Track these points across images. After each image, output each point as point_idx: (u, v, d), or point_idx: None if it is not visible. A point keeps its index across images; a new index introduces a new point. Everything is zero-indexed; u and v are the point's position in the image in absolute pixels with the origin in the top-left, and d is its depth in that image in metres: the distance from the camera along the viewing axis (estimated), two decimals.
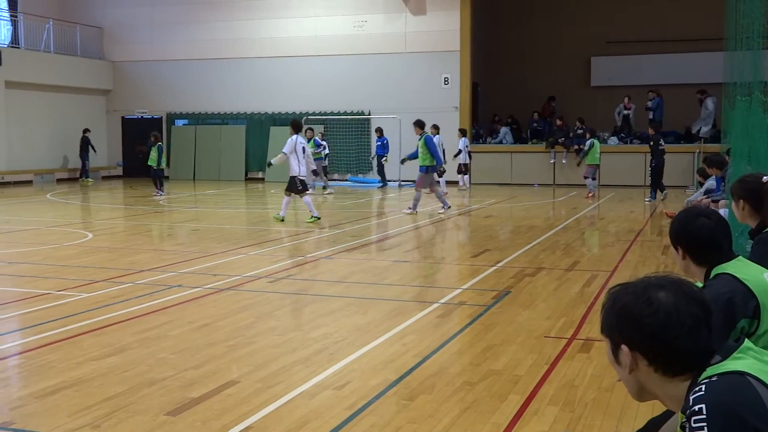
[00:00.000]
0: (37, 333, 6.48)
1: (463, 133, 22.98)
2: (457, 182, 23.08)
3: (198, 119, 28.85)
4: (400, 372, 5.42)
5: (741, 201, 4.27)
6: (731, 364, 1.86)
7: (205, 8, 28.15)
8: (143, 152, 21.05)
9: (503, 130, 26.56)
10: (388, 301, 7.97)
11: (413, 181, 18.42)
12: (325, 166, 24.51)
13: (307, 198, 14.66)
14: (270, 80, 27.49)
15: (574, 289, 8.40)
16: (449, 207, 16.48)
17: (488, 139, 26.80)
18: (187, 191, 23.65)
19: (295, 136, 14.45)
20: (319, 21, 26.92)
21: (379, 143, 24.13)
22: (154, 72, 28.99)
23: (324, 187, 22.36)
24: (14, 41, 26.73)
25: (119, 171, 29.83)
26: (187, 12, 28.33)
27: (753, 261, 3.46)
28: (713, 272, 3.12)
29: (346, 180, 26.48)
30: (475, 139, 26.41)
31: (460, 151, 22.74)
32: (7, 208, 18.58)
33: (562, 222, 15.06)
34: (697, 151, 23.17)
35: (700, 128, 24.02)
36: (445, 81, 25.86)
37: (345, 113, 26.69)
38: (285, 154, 14.40)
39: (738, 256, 3.18)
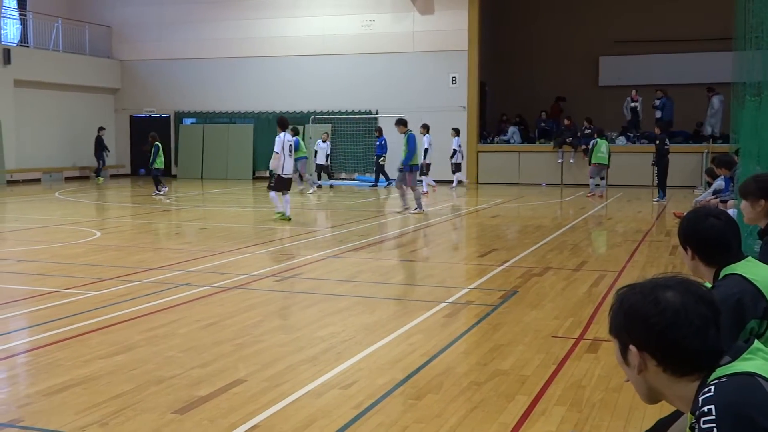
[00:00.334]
0: (45, 331, 6.49)
1: (456, 132, 22.91)
2: (451, 182, 23.08)
3: (206, 118, 28.89)
4: (407, 371, 5.41)
5: (762, 200, 4.22)
6: (741, 365, 1.85)
7: (213, 7, 28.20)
8: (148, 152, 21.16)
9: (511, 129, 26.51)
10: (395, 301, 7.97)
11: (419, 181, 18.33)
12: (327, 165, 24.50)
13: (273, 194, 14.61)
14: (278, 79, 27.51)
15: (581, 289, 8.38)
16: (422, 211, 15.87)
17: (496, 139, 26.77)
18: (194, 190, 23.70)
19: (282, 134, 14.32)
20: (327, 20, 26.93)
21: (378, 143, 24.06)
22: (163, 71, 29.05)
23: (302, 191, 21.41)
24: (23, 40, 26.83)
25: (127, 169, 29.90)
26: (195, 11, 28.38)
27: (762, 261, 3.44)
28: (722, 273, 3.10)
29: (353, 179, 26.49)
30: (483, 138, 26.39)
31: (455, 151, 22.69)
32: (16, 207, 18.66)
33: (570, 222, 15.03)
34: (706, 151, 23.11)
35: (712, 129, 23.92)
36: (452, 80, 25.83)
37: (352, 112, 26.68)
38: (278, 153, 14.26)
39: (747, 256, 3.16)
